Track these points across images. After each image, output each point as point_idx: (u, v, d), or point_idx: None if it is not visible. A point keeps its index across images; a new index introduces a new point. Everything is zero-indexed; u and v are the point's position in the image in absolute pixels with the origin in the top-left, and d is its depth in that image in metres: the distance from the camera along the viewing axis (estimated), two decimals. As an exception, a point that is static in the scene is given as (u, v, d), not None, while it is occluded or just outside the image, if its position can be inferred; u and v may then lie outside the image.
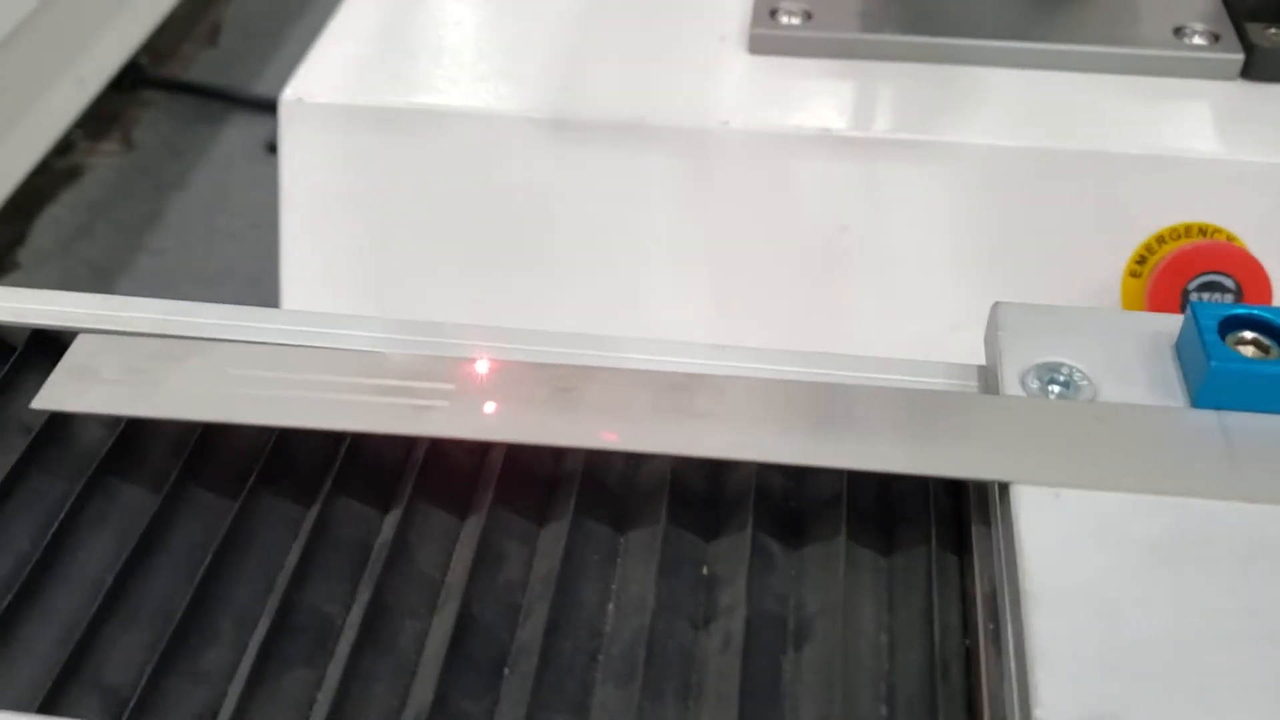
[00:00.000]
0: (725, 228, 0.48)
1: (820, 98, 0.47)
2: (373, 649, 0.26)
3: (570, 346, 0.30)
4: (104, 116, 1.20)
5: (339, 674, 0.25)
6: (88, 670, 0.26)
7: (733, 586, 0.27)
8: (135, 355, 0.27)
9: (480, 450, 0.30)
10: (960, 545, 0.27)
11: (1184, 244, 0.43)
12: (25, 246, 1.12)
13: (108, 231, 1.15)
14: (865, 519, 0.28)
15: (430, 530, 0.29)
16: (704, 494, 0.29)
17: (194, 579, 0.27)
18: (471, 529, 0.28)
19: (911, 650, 0.25)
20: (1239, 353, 0.27)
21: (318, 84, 0.49)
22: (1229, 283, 0.42)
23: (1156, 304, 0.43)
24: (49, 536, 0.27)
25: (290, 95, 0.48)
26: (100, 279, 1.10)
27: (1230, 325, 0.27)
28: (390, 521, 0.29)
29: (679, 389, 0.27)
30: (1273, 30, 0.47)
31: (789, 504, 0.29)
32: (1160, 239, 0.43)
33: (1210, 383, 0.26)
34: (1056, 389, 0.27)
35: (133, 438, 0.30)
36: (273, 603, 0.27)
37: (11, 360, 0.31)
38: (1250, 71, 0.47)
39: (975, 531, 0.26)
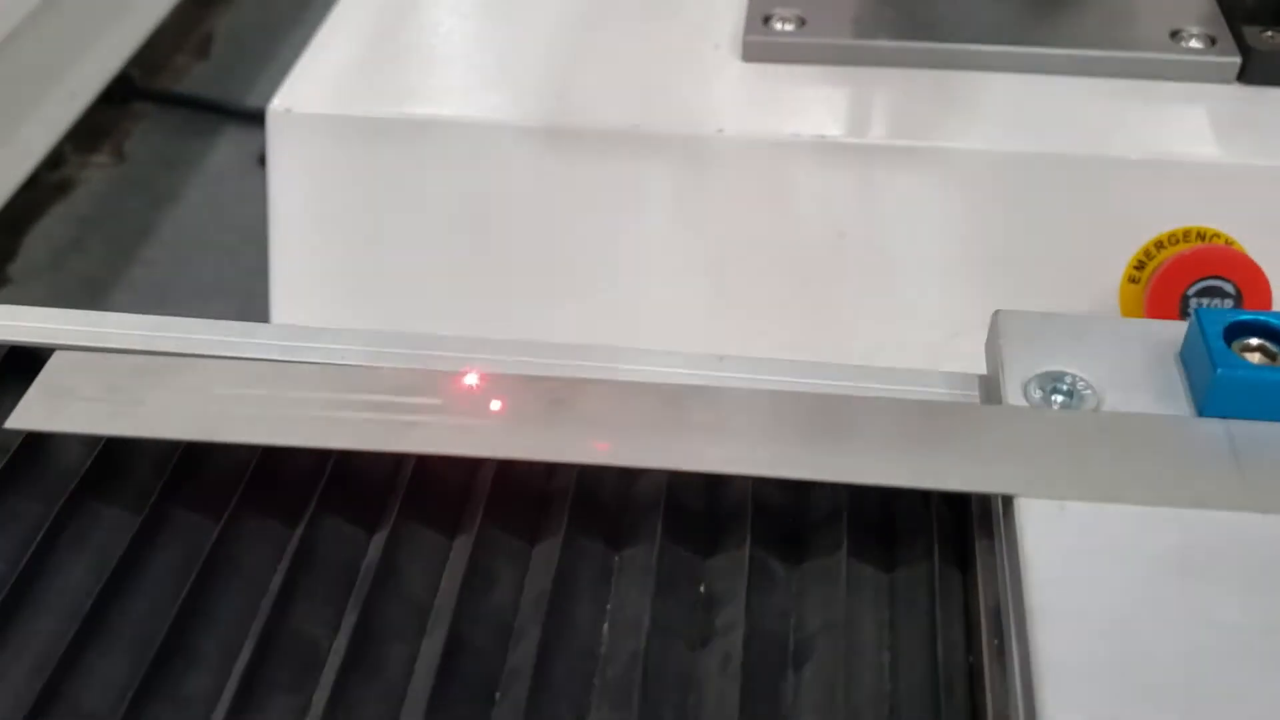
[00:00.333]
0: (721, 236, 0.47)
1: (815, 104, 0.47)
2: (360, 674, 0.25)
3: (565, 358, 0.30)
4: (95, 129, 1.19)
5: (325, 700, 0.25)
6: (66, 697, 0.25)
7: (731, 605, 0.26)
8: (114, 373, 0.27)
9: (470, 467, 0.29)
10: (963, 560, 0.26)
11: (1183, 249, 0.42)
12: (16, 261, 1.11)
13: (99, 245, 1.15)
14: (866, 534, 0.27)
15: (419, 550, 0.28)
16: (701, 509, 0.28)
17: (176, 602, 0.26)
18: (461, 549, 0.28)
19: (914, 669, 0.24)
20: (1245, 359, 0.26)
21: (306, 94, 0.48)
22: (1229, 287, 0.41)
23: (1156, 309, 0.42)
24: (25, 559, 0.27)
25: (278, 105, 0.48)
26: (92, 293, 1.10)
27: (1235, 332, 0.27)
28: (377, 542, 0.28)
29: (674, 402, 0.26)
30: (1269, 33, 0.47)
31: (788, 519, 0.28)
32: (1159, 244, 0.43)
33: (1216, 391, 0.26)
34: (1060, 399, 0.26)
35: (112, 457, 0.29)
36: (257, 627, 0.26)
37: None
38: (1247, 74, 0.46)
39: (979, 546, 0.25)
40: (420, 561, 0.28)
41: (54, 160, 1.14)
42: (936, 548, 0.26)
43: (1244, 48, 0.46)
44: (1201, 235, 0.42)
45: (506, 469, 0.28)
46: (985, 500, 0.26)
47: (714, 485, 0.28)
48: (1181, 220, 0.43)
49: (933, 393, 0.28)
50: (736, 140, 0.45)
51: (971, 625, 0.25)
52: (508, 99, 0.47)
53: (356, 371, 0.28)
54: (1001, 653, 0.24)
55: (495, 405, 0.26)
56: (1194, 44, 0.47)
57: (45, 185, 1.15)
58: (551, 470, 0.29)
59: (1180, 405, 0.27)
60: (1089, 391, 0.26)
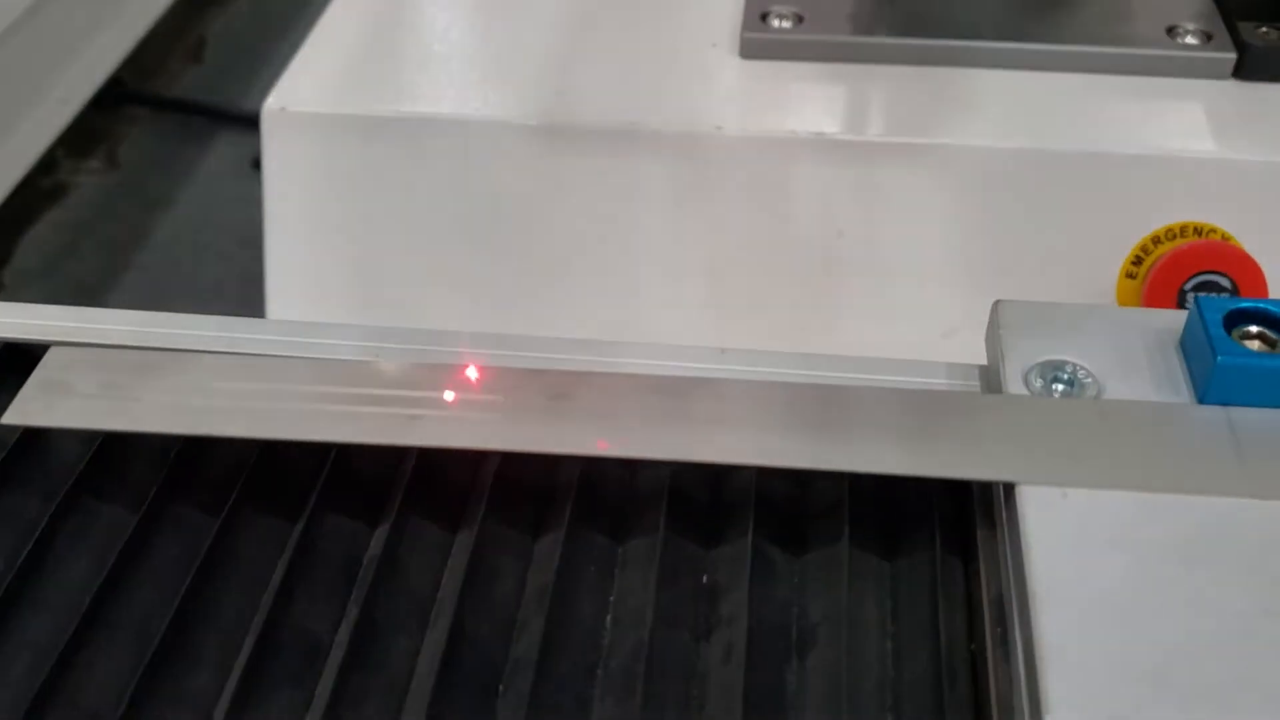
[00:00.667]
0: (720, 234, 0.47)
1: (813, 102, 0.47)
2: (362, 668, 0.25)
3: (565, 352, 0.30)
4: (88, 134, 1.19)
5: (327, 695, 0.25)
6: (65, 694, 0.25)
7: (733, 596, 0.26)
8: (110, 368, 0.27)
9: (473, 461, 0.29)
10: (965, 549, 0.26)
11: (1180, 244, 0.42)
12: (9, 266, 1.11)
13: (93, 250, 1.14)
14: (868, 523, 0.27)
15: (421, 544, 0.28)
16: (704, 501, 0.28)
17: (176, 598, 0.26)
18: (464, 542, 0.28)
19: (917, 657, 0.24)
20: (1245, 347, 0.26)
21: (301, 92, 0.48)
22: (1225, 282, 0.41)
23: (1153, 304, 0.42)
24: (24, 556, 0.26)
25: (273, 104, 0.47)
26: (86, 298, 1.09)
27: (1235, 319, 0.27)
28: (380, 536, 0.28)
29: (675, 393, 0.26)
30: (1265, 29, 0.47)
31: (790, 510, 0.28)
32: (1156, 239, 0.43)
33: (1217, 378, 0.26)
34: (1060, 387, 0.27)
35: (111, 453, 0.29)
36: (258, 622, 0.26)
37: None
38: (1243, 70, 0.46)
39: (980, 534, 0.25)
40: (423, 555, 0.28)
41: (46, 165, 1.13)
42: (938, 536, 0.26)
43: (1239, 43, 0.47)
44: (1198, 230, 0.43)
45: (509, 463, 0.28)
46: (987, 488, 0.26)
47: (717, 477, 0.28)
48: (1178, 216, 0.43)
49: (933, 383, 0.28)
50: (735, 138, 0.45)
51: (974, 613, 0.25)
52: (505, 97, 0.47)
53: (354, 366, 0.28)
54: (1004, 640, 0.24)
55: (495, 398, 0.26)
56: (1190, 40, 0.47)
57: (38, 190, 1.14)
58: (554, 464, 0.29)
59: (1181, 393, 0.27)
60: (1089, 380, 0.26)
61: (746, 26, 0.49)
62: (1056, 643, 0.22)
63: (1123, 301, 0.44)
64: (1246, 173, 0.44)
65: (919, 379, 0.28)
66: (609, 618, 0.26)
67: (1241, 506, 0.24)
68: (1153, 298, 0.42)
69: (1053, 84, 0.47)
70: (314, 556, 0.27)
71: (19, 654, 0.25)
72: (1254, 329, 0.27)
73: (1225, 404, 0.26)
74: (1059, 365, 0.27)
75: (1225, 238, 0.42)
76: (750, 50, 0.48)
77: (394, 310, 0.50)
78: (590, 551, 0.27)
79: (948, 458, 0.25)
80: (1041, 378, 0.26)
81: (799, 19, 0.49)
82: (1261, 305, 0.27)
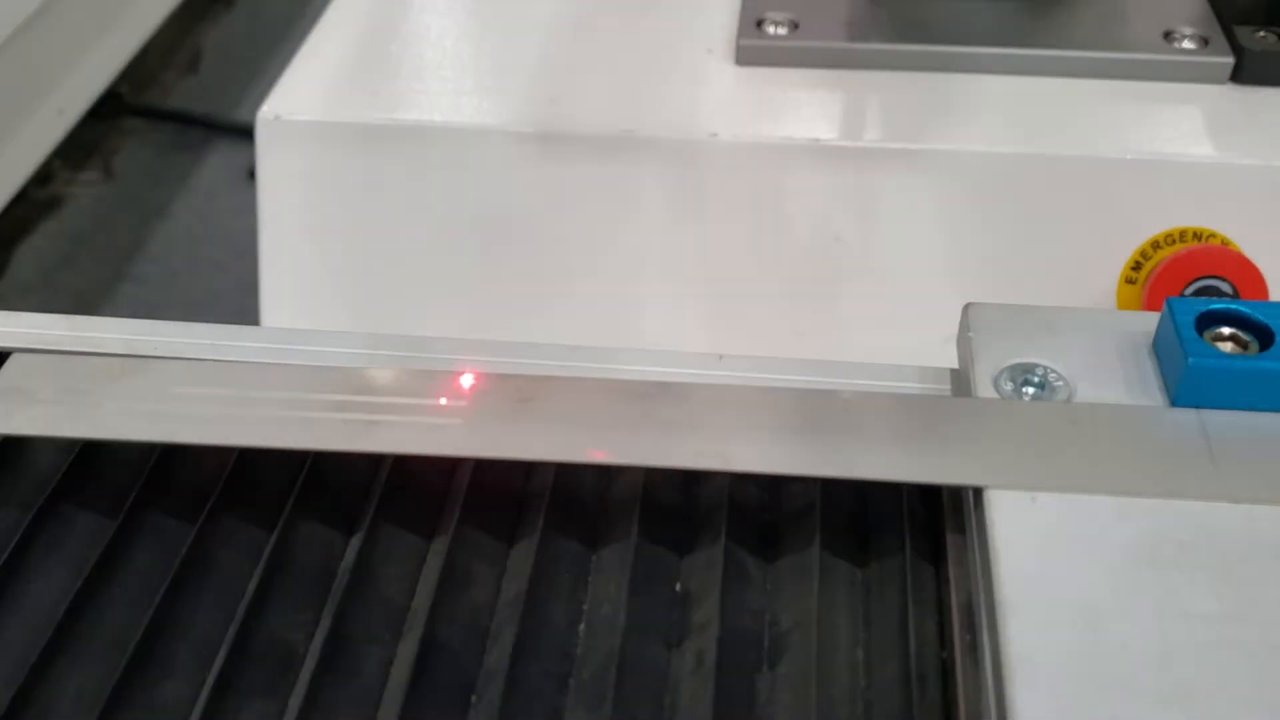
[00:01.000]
0: (716, 241, 0.47)
1: (809, 108, 0.46)
2: (334, 678, 0.25)
3: (559, 359, 0.29)
4: (84, 145, 1.19)
5: (299, 704, 0.24)
6: (36, 706, 0.25)
7: (705, 603, 0.26)
8: (72, 375, 0.27)
9: (447, 469, 0.29)
10: (936, 555, 0.26)
11: (1179, 249, 0.42)
12: (5, 278, 1.11)
13: (89, 261, 1.15)
14: (839, 530, 0.27)
15: (395, 553, 0.28)
16: (677, 508, 0.28)
17: (150, 607, 0.26)
18: (438, 550, 0.28)
19: (887, 665, 0.24)
20: (1217, 349, 0.26)
21: (296, 101, 0.48)
22: (1225, 287, 0.41)
23: (1154, 310, 0.42)
24: (-2, 565, 0.26)
25: (267, 112, 0.47)
26: (82, 309, 1.09)
27: (1207, 321, 0.27)
28: (354, 545, 0.28)
29: (644, 398, 0.26)
30: (1262, 33, 0.47)
31: (763, 516, 0.28)
32: (1155, 244, 0.43)
33: (1188, 380, 0.26)
34: (1031, 390, 0.26)
35: (88, 461, 0.29)
36: (231, 632, 0.26)
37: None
38: (1240, 75, 0.46)
39: (950, 540, 0.25)
40: (397, 564, 0.28)
41: (43, 177, 1.14)
42: (909, 543, 0.26)
43: (1237, 48, 0.46)
44: (1198, 235, 0.43)
45: (482, 471, 0.28)
46: (957, 494, 0.26)
47: (690, 483, 0.28)
48: (1177, 221, 0.43)
49: (905, 387, 0.28)
50: (730, 144, 0.45)
51: (944, 620, 0.25)
52: (500, 104, 0.47)
53: (320, 371, 0.28)
54: (974, 647, 0.23)
55: (460, 403, 0.26)
56: (1187, 45, 0.47)
57: (34, 202, 1.15)
58: (528, 471, 0.29)
59: (1153, 396, 0.27)
60: (1060, 383, 0.26)
61: (742, 33, 0.49)
62: (1024, 650, 0.22)
63: (1123, 307, 0.44)
64: (1245, 177, 0.43)
65: (890, 383, 0.28)
66: (582, 626, 0.26)
67: (1213, 510, 0.24)
68: (1153, 303, 0.42)
69: (1050, 89, 0.47)
70: (289, 565, 0.27)
71: (-8, 664, 0.25)
72: (1226, 331, 0.27)
73: (1198, 406, 0.26)
74: (1029, 368, 0.27)
75: (1225, 242, 0.42)
76: (745, 57, 0.48)
77: (389, 319, 0.50)
78: (564, 559, 0.27)
79: (915, 462, 0.25)
80: (1012, 381, 0.26)
81: (794, 26, 0.49)
82: (1233, 306, 0.26)
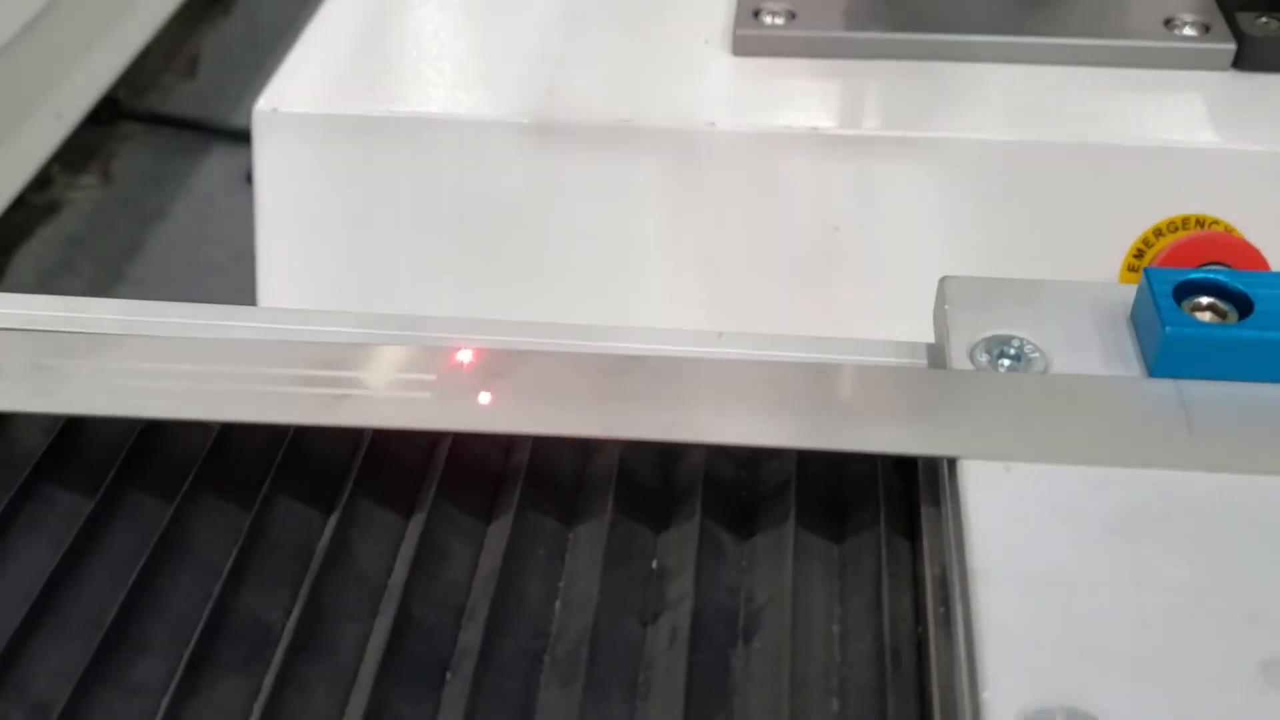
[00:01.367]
0: (715, 231, 0.47)
1: (807, 97, 0.46)
2: (309, 655, 0.25)
3: (558, 337, 0.29)
4: (82, 150, 1.20)
5: (272, 681, 0.24)
6: (13, 684, 0.25)
7: (680, 579, 0.26)
8: (38, 352, 0.27)
9: (426, 447, 0.29)
10: (912, 531, 0.26)
11: (1181, 236, 0.42)
12: (4, 283, 1.11)
13: (88, 266, 1.15)
14: (815, 506, 0.27)
15: (373, 530, 0.28)
16: (653, 485, 0.28)
17: (127, 585, 0.26)
18: (415, 528, 0.28)
19: (862, 640, 0.24)
20: (1195, 319, 0.26)
21: (293, 93, 0.48)
22: (1229, 274, 0.41)
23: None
24: (-27, 546, 0.26)
25: (264, 105, 0.47)
26: (81, 313, 1.09)
27: (1186, 291, 0.26)
28: (332, 523, 0.28)
29: (616, 372, 0.26)
30: (1264, 19, 0.46)
31: (740, 493, 0.28)
32: (1157, 231, 0.43)
33: (1166, 349, 0.26)
34: (1007, 362, 0.26)
35: (69, 440, 0.29)
36: (208, 609, 0.26)
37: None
38: (1242, 61, 0.46)
39: (925, 512, 0.25)
40: (374, 542, 0.28)
41: (41, 182, 1.14)
42: (884, 518, 0.26)
43: (1238, 34, 0.46)
44: (1200, 222, 0.42)
45: (461, 448, 0.28)
46: (932, 466, 0.26)
47: (667, 460, 0.28)
48: (1180, 208, 0.42)
49: (880, 361, 0.28)
50: (728, 134, 0.45)
51: (919, 594, 0.25)
52: (497, 95, 0.47)
53: (289, 347, 0.28)
54: (947, 619, 0.23)
55: (429, 378, 0.26)
56: (1188, 31, 0.47)
57: (33, 207, 1.15)
58: (507, 449, 0.29)
59: (1131, 367, 0.26)
60: (1036, 354, 0.26)
61: (739, 23, 0.48)
62: (996, 619, 0.22)
63: (1126, 296, 0.43)
64: (1248, 164, 0.43)
65: (864, 357, 0.27)
66: (558, 602, 0.26)
67: (1189, 479, 0.24)
68: (1155, 291, 0.42)
69: (1050, 78, 0.46)
70: (267, 543, 0.27)
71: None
72: (1205, 300, 0.26)
73: (1176, 377, 0.26)
74: (1005, 340, 0.26)
75: (1228, 229, 0.42)
76: (743, 47, 0.48)
77: (387, 310, 0.50)
78: (540, 536, 0.27)
79: (890, 434, 0.25)
80: (987, 353, 0.26)
81: (791, 15, 0.49)
82: (1212, 276, 0.26)
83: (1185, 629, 0.22)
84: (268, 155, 0.48)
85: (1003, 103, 0.45)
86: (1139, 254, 0.43)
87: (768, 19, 0.49)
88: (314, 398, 0.26)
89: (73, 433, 0.29)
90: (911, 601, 0.25)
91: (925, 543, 0.25)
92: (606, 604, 0.25)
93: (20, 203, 1.09)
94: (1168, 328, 0.25)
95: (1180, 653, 0.21)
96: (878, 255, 0.46)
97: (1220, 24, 0.47)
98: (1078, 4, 0.49)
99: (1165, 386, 0.26)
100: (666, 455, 0.28)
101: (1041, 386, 0.26)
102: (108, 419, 0.28)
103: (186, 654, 0.25)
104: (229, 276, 1.09)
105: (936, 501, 0.25)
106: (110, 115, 1.21)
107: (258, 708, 0.24)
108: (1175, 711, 0.20)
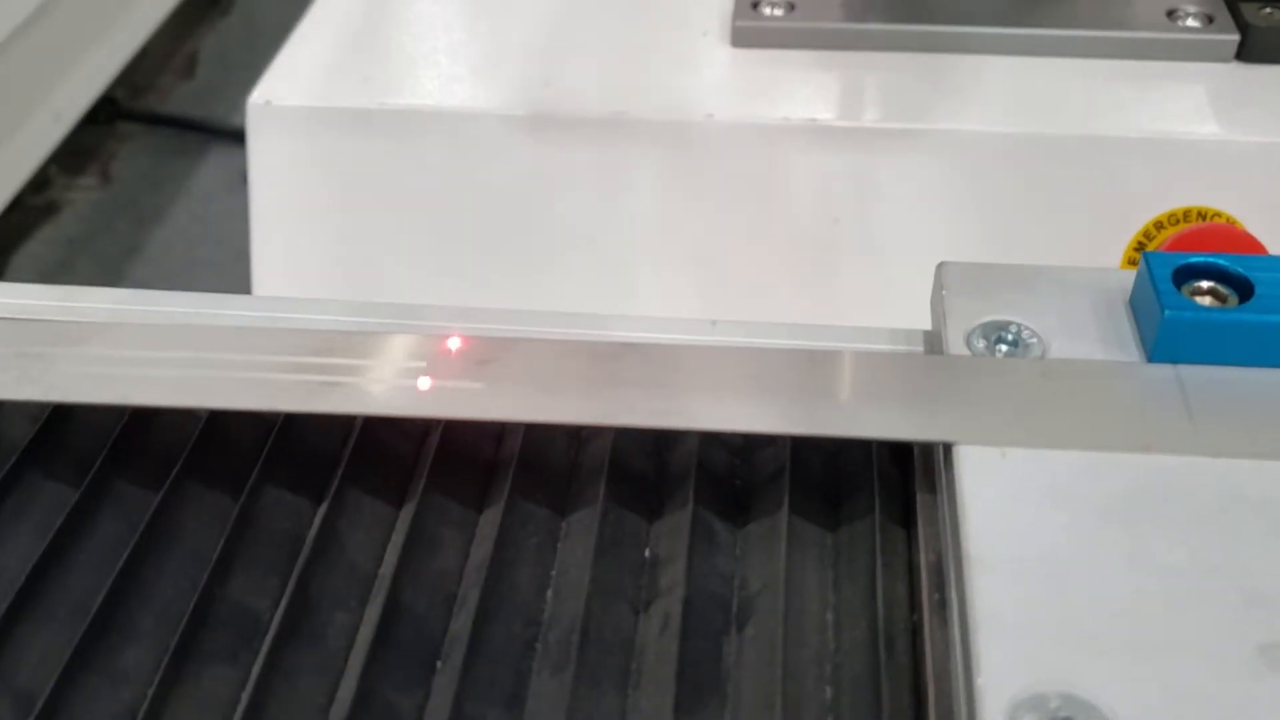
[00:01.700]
0: (713, 223, 0.47)
1: (806, 89, 0.46)
2: (298, 643, 0.25)
3: (554, 326, 0.29)
4: (80, 151, 1.20)
5: (259, 670, 0.24)
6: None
7: (673, 567, 0.25)
8: (23, 340, 0.26)
9: (417, 435, 0.29)
10: (907, 517, 0.26)
11: (1183, 228, 0.42)
12: (2, 283, 1.11)
13: (87, 267, 1.15)
14: (809, 494, 0.26)
15: (363, 519, 0.28)
16: (646, 474, 0.28)
17: (114, 574, 0.26)
18: (406, 516, 0.27)
19: (856, 627, 0.24)
20: (1195, 302, 0.26)
21: (287, 86, 0.48)
22: (1231, 266, 0.41)
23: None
24: (-41, 533, 0.26)
25: (258, 98, 0.47)
26: (79, 313, 1.09)
27: (1185, 275, 0.26)
28: (322, 511, 0.27)
29: (607, 358, 0.25)
30: (1267, 10, 0.46)
31: (733, 481, 0.27)
32: (1159, 224, 0.42)
33: (1165, 334, 0.25)
34: (1004, 348, 0.26)
35: (56, 429, 0.29)
36: (195, 598, 0.25)
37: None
38: (1245, 52, 0.45)
39: (920, 499, 0.25)
40: (364, 530, 0.27)
41: (39, 182, 1.14)
42: (879, 506, 0.25)
43: (1242, 25, 0.45)
44: (1202, 214, 0.42)
45: (452, 437, 0.28)
46: (928, 453, 0.25)
47: (660, 448, 0.28)
48: (1181, 200, 0.42)
49: (877, 348, 0.27)
50: (727, 126, 0.45)
51: (914, 581, 0.24)
52: (494, 88, 0.47)
53: (279, 334, 0.27)
54: (942, 606, 0.23)
55: (419, 365, 0.26)
56: (1191, 22, 0.46)
57: (31, 208, 1.15)
58: (499, 437, 0.28)
59: (1130, 352, 0.26)
60: (1034, 340, 0.26)
61: (738, 14, 0.48)
62: (991, 605, 0.21)
63: (1129, 288, 0.43)
64: (1250, 155, 0.43)
65: (861, 344, 0.27)
66: (550, 591, 0.26)
67: (1189, 465, 0.24)
68: (1157, 283, 0.41)
69: (1052, 70, 0.46)
70: (256, 532, 0.27)
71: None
72: (1204, 284, 0.26)
73: (1175, 361, 0.26)
74: (1003, 326, 0.26)
75: (1230, 221, 0.42)
76: (741, 38, 0.48)
77: (382, 302, 0.50)
78: (532, 524, 0.27)
79: (886, 419, 0.24)
80: (984, 339, 0.26)
81: (790, 7, 0.48)
82: (1212, 260, 0.26)
83: (1182, 614, 0.21)
84: (262, 148, 0.48)
85: (1003, 95, 0.45)
86: (1140, 246, 0.43)
87: (767, 10, 0.48)
88: (303, 385, 0.25)
89: (60, 420, 0.29)
90: (906, 588, 0.24)
91: (921, 529, 0.24)
92: (598, 592, 0.25)
93: (18, 204, 1.09)
94: (1167, 311, 0.25)
95: (1177, 637, 0.21)
96: (878, 248, 0.46)
97: (1223, 15, 0.47)
98: None
99: (1164, 371, 0.25)
100: (659, 442, 0.28)
101: (1038, 372, 0.25)
102: (95, 406, 0.28)
103: (173, 643, 0.25)
104: (228, 276, 1.09)
105: (932, 488, 0.25)
106: (109, 116, 1.21)
107: (245, 696, 0.24)
108: (1171, 696, 0.20)
